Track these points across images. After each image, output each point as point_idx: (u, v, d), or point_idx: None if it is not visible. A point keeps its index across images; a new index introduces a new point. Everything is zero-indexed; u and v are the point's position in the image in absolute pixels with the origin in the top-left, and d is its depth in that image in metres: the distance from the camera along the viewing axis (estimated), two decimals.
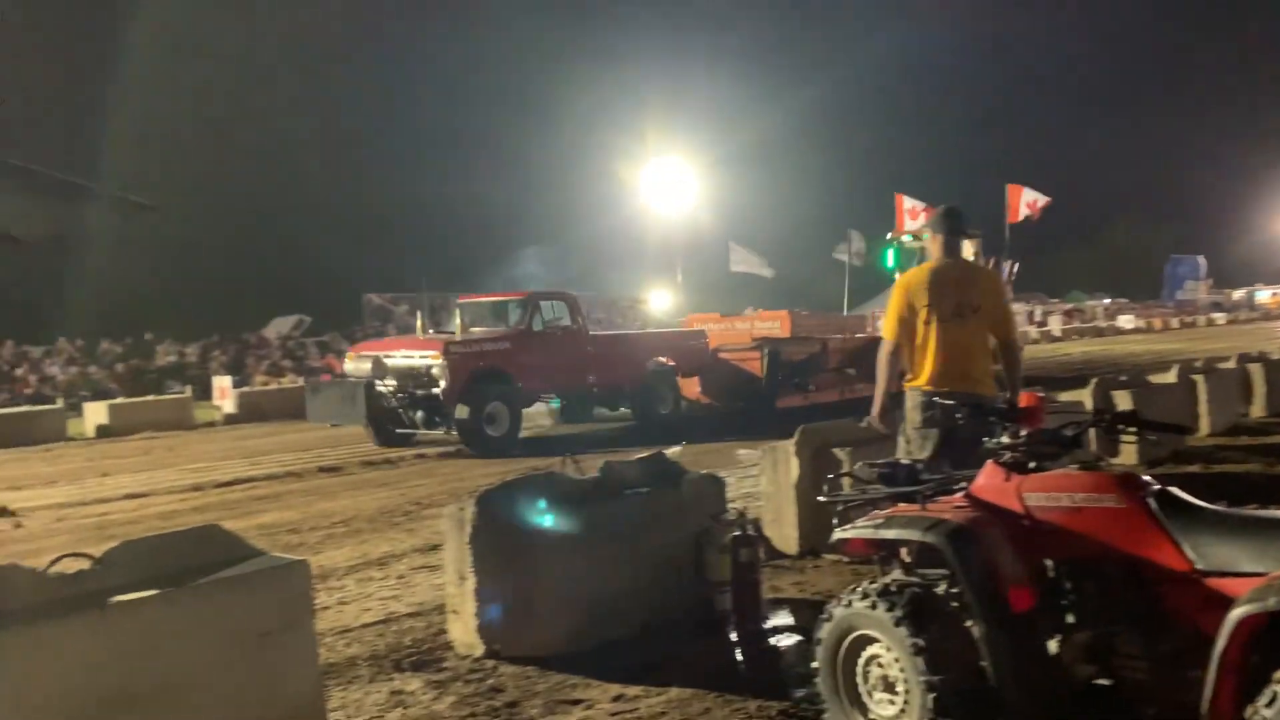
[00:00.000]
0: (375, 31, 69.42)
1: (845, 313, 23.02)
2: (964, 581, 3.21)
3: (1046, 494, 3.26)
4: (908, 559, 3.59)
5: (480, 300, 15.98)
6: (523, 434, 14.29)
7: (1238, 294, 73.34)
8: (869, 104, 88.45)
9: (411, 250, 50.07)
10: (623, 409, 16.18)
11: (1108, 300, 66.36)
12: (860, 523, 3.59)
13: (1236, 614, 2.67)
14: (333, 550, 7.75)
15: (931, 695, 3.17)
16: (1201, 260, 75.08)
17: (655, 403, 16.07)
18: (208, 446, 16.42)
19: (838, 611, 3.51)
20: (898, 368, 5.24)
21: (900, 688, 3.33)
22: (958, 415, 4.03)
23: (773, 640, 5.01)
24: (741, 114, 69.16)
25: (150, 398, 23.26)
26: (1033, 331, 45.36)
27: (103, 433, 18.79)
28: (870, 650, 3.44)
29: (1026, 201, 26.99)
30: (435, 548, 7.22)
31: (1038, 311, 55.56)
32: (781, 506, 6.66)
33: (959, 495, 3.50)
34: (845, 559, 6.01)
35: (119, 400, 22.14)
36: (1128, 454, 8.90)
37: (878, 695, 3.43)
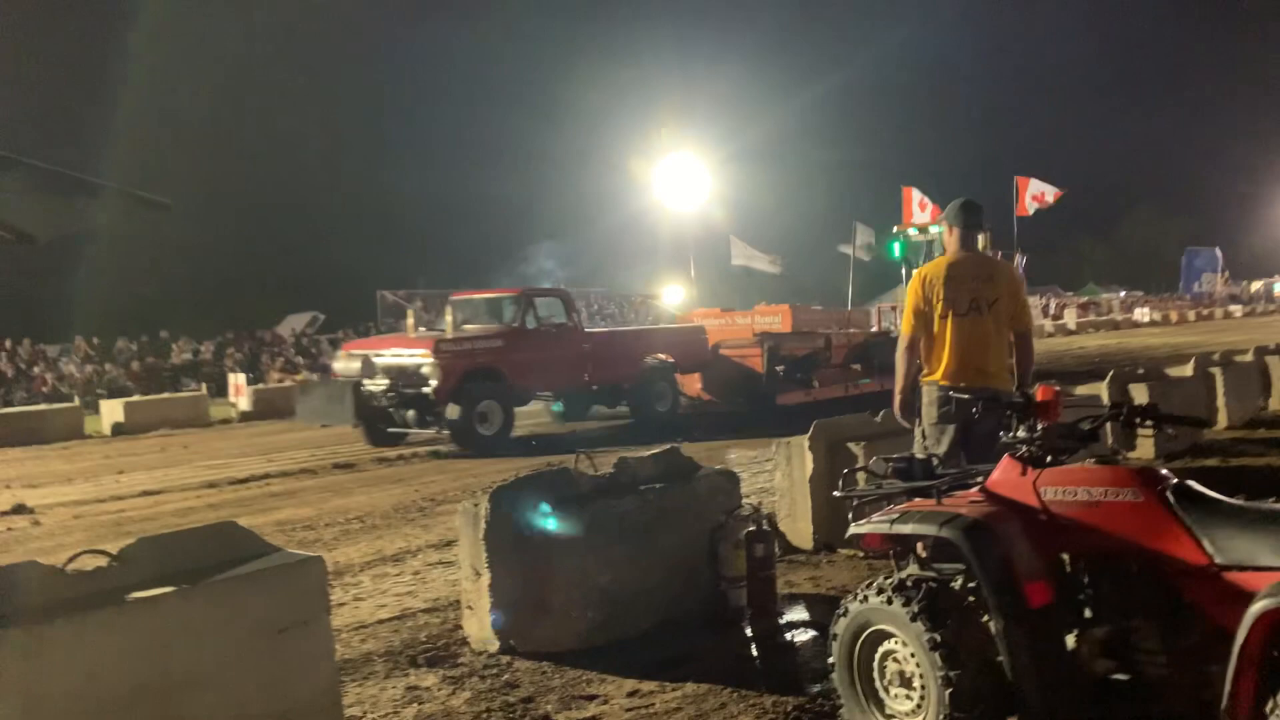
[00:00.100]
0: (388, 29, 69.57)
1: (849, 307, 22.80)
2: (980, 576, 3.20)
3: (1063, 488, 3.24)
4: (923, 554, 3.58)
5: (473, 297, 15.64)
6: (519, 432, 14.13)
7: (1255, 286, 72.77)
8: (881, 98, 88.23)
9: (424, 247, 50.28)
10: (621, 406, 15.96)
11: (1123, 293, 66.02)
12: (876, 518, 3.58)
13: (1256, 609, 2.65)
14: (348, 546, 7.78)
15: (948, 690, 3.16)
16: (1218, 252, 74.45)
17: (653, 400, 15.81)
18: (223, 444, 16.49)
19: (853, 607, 3.50)
20: (916, 361, 5.22)
21: (917, 683, 3.32)
22: (974, 410, 4.01)
23: (788, 635, 5.01)
24: (755, 109, 69.16)
25: (166, 395, 23.39)
26: (1048, 325, 45.14)
27: (119, 430, 18.89)
28: (886, 645, 3.43)
29: (1033, 194, 26.85)
30: (450, 543, 7.24)
31: (1052, 305, 55.30)
32: (796, 501, 6.65)
33: (975, 490, 3.49)
34: (860, 554, 6.00)
35: (135, 398, 22.26)
36: (1145, 448, 8.85)
37: (894, 690, 3.42)
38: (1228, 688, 2.70)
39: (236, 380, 22.35)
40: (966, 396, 4.40)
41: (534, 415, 16.14)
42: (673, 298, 34.53)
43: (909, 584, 3.38)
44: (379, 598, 6.19)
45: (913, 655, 3.31)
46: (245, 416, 20.65)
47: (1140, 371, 10.87)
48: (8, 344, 29.14)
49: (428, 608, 5.84)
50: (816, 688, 4.17)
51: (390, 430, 13.76)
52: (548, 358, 14.38)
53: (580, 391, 15.52)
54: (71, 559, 3.12)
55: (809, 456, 6.55)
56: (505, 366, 13.66)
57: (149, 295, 40.96)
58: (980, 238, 5.54)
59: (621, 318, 41.04)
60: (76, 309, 33.05)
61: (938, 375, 5.11)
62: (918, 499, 3.55)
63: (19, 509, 10.15)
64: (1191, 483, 3.14)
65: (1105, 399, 8.90)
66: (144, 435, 18.39)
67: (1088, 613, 3.24)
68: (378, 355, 13.74)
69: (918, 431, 5.23)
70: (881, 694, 3.47)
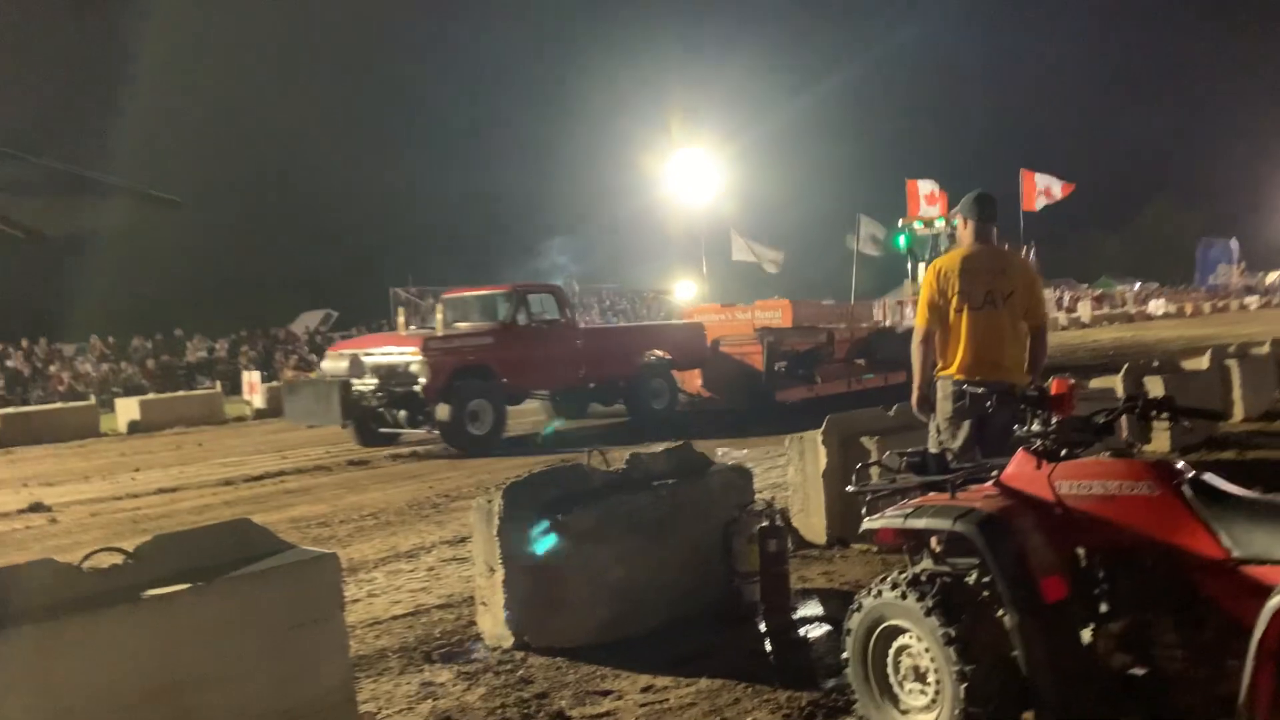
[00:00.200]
0: (400, 24, 69.62)
1: (852, 301, 22.52)
2: (995, 571, 3.18)
3: (1078, 482, 3.22)
4: (937, 548, 3.56)
5: (464, 295, 15.23)
6: (520, 432, 14.01)
7: (1271, 277, 72.23)
8: (894, 92, 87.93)
9: (438, 244, 50.37)
10: (618, 405, 15.75)
11: (1137, 285, 65.62)
12: (889, 512, 3.57)
13: (1274, 602, 2.63)
14: (362, 543, 7.80)
15: (963, 685, 3.15)
16: (1234, 243, 73.96)
17: (650, 398, 15.56)
18: (238, 441, 16.57)
19: (867, 601, 3.50)
20: (931, 354, 5.20)
21: (931, 678, 3.31)
22: (988, 404, 3.99)
23: (802, 630, 5.00)
24: (766, 103, 68.97)
25: (181, 393, 23.50)
26: (1062, 318, 44.91)
27: (134, 428, 19.00)
28: (901, 640, 3.42)
29: (1041, 189, 26.71)
30: (464, 540, 7.25)
31: (1066, 298, 55.03)
32: (809, 496, 6.64)
33: (989, 484, 3.47)
34: (874, 549, 5.99)
35: (150, 396, 22.40)
36: (1160, 441, 8.81)
37: (909, 685, 3.41)
38: (1245, 682, 2.68)
39: (251, 378, 22.45)
40: (981, 390, 4.38)
41: (530, 414, 16.04)
42: (685, 293, 34.52)
43: (923, 579, 3.37)
44: (393, 594, 6.21)
45: (927, 650, 3.30)
46: (260, 414, 20.74)
47: (1155, 364, 10.83)
48: (24, 343, 29.33)
49: (442, 604, 5.86)
50: (831, 683, 4.16)
51: (382, 430, 13.56)
52: (540, 355, 14.16)
53: (575, 389, 15.29)
54: (87, 556, 3.14)
55: (822, 451, 6.54)
56: (496, 364, 13.42)
57: (163, 294, 41.14)
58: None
59: (634, 313, 41.06)
60: (92, 308, 33.24)
61: (952, 369, 5.09)
62: (932, 493, 3.54)
63: (36, 507, 10.22)
64: (1208, 476, 3.11)
65: (1120, 392, 8.86)
66: (159, 433, 18.51)
67: (1103, 607, 3.22)
68: (366, 354, 13.47)
69: (932, 426, 5.21)
70: (896, 689, 3.47)
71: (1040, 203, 26.91)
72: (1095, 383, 9.76)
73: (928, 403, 5.24)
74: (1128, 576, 3.17)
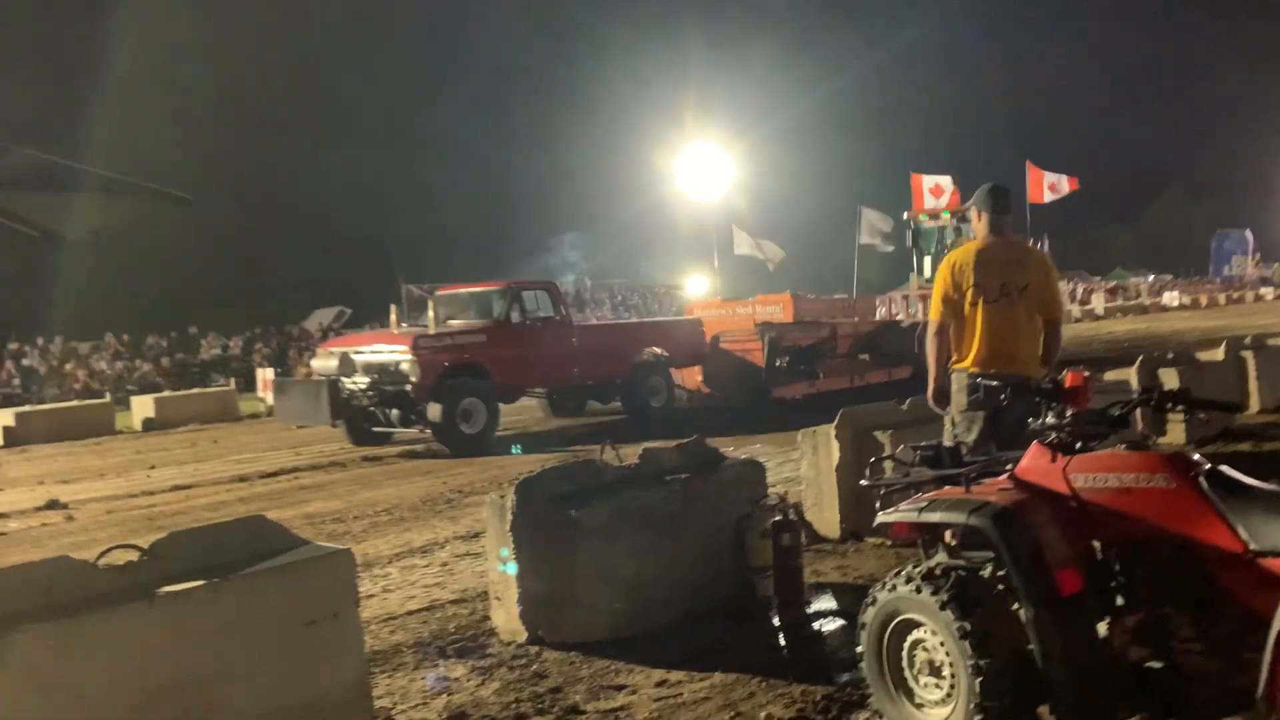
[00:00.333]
0: (412, 19, 69.67)
1: (854, 294, 22.28)
2: (1010, 564, 3.17)
3: (1094, 475, 3.20)
4: (952, 542, 3.55)
5: (457, 292, 15.07)
6: (511, 430, 13.92)
7: None
8: (906, 87, 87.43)
9: (450, 240, 50.42)
10: (615, 402, 15.59)
11: (1151, 277, 65.25)
12: (903, 506, 3.56)
13: None
14: (377, 539, 7.83)
15: (978, 679, 3.14)
16: (1249, 234, 73.42)
17: (647, 395, 15.36)
18: (252, 438, 16.63)
19: (882, 596, 3.49)
20: (946, 347, 5.18)
21: (946, 672, 3.30)
22: (1002, 397, 3.97)
23: (815, 625, 5.00)
24: (777, 98, 68.69)
25: (195, 391, 23.61)
26: (1076, 310, 44.70)
27: (149, 426, 19.10)
28: (915, 634, 3.41)
29: (1048, 183, 26.59)
30: (477, 535, 7.28)
31: (1080, 290, 54.77)
32: (823, 490, 6.63)
33: (1004, 477, 3.46)
34: (888, 543, 5.98)
35: (165, 394, 22.54)
36: (1175, 433, 8.76)
37: (924, 679, 3.40)
38: (1264, 675, 2.66)
39: (265, 375, 22.55)
40: (995, 383, 4.36)
41: (527, 412, 15.93)
42: (697, 288, 34.50)
43: (938, 572, 3.36)
44: (407, 589, 6.23)
45: (942, 644, 3.29)
46: (274, 411, 20.79)
47: (1170, 356, 10.75)
48: (39, 341, 29.52)
49: (456, 599, 5.87)
50: (845, 677, 4.16)
51: (375, 429, 13.42)
52: (534, 353, 13.98)
53: (570, 387, 15.17)
54: (103, 553, 3.15)
55: (835, 445, 6.52)
56: (489, 363, 13.22)
57: (178, 292, 41.30)
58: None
59: (645, 309, 41.06)
60: (106, 306, 33.44)
61: (967, 362, 5.07)
62: (946, 487, 3.53)
63: (52, 504, 10.29)
64: (1224, 468, 3.09)
65: (1134, 384, 8.81)
66: (174, 430, 18.61)
67: (1119, 600, 3.21)
68: (357, 353, 13.26)
69: (947, 419, 5.19)
70: (911, 683, 3.46)
71: (1048, 196, 26.76)
72: (1110, 375, 9.71)
73: (943, 396, 5.21)
74: (1144, 569, 3.16)
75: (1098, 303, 49.48)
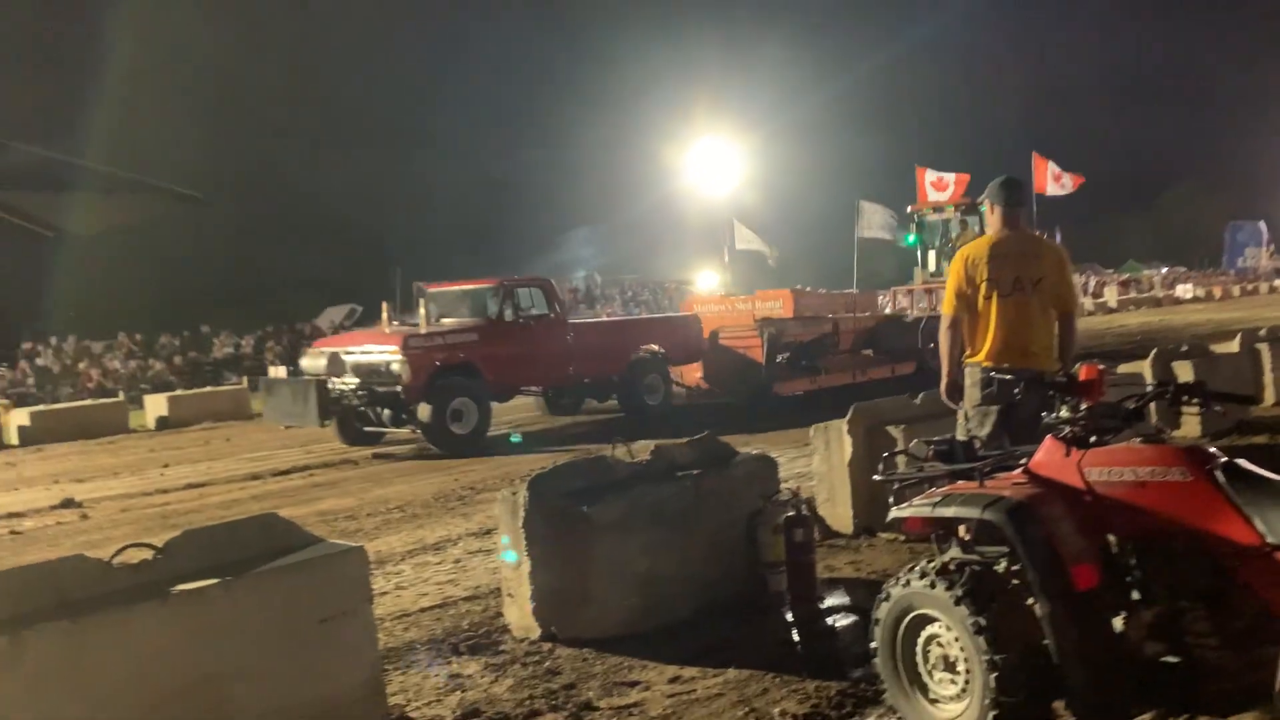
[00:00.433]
0: (419, 14, 69.70)
1: (855, 289, 22.06)
2: (1025, 559, 3.15)
3: (1109, 468, 3.18)
4: (966, 537, 3.53)
5: (449, 290, 14.67)
6: (510, 430, 13.80)
7: None
8: (918, 82, 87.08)
9: (461, 237, 50.49)
10: (612, 400, 15.42)
11: (1165, 269, 64.90)
12: (917, 501, 3.54)
13: None
14: (389, 536, 7.84)
15: (993, 674, 3.12)
16: (1263, 226, 72.97)
17: (644, 393, 15.04)
18: (265, 436, 16.65)
19: (896, 591, 3.47)
20: (959, 341, 5.15)
21: (961, 667, 3.29)
22: (1016, 390, 3.95)
23: (829, 620, 4.99)
24: (788, 93, 68.48)
25: (208, 389, 23.67)
26: (1088, 303, 44.53)
27: (163, 424, 19.17)
28: (930, 630, 3.40)
29: (1053, 173, 26.45)
30: (490, 532, 7.29)
31: (1093, 282, 54.54)
32: (835, 485, 6.61)
33: (1018, 472, 3.44)
34: (902, 538, 5.95)
35: (178, 392, 22.61)
36: (1190, 426, 8.71)
37: (938, 675, 3.39)
38: None
39: (277, 373, 22.61)
40: (1009, 377, 4.34)
41: (525, 411, 15.88)
42: (707, 283, 34.45)
43: (952, 567, 3.34)
44: (420, 586, 6.24)
45: (957, 639, 3.28)
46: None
47: (1184, 349, 10.70)
48: (53, 340, 29.67)
49: (469, 596, 5.88)
50: (859, 672, 4.14)
51: (367, 429, 13.23)
52: (527, 351, 13.74)
53: (565, 386, 15.00)
54: (118, 552, 3.16)
55: (848, 440, 6.51)
56: (481, 362, 12.95)
57: (190, 291, 41.46)
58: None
59: (655, 304, 41.02)
60: (120, 305, 33.58)
61: (981, 356, 5.05)
62: (960, 482, 3.51)
63: (67, 503, 10.34)
64: (1240, 461, 3.07)
65: (1149, 377, 8.76)
66: (188, 429, 18.67)
67: (1135, 595, 3.19)
68: (346, 353, 13.02)
69: (960, 414, 5.17)
70: (925, 678, 3.45)
71: (1052, 188, 26.63)
72: (1124, 368, 9.66)
73: (957, 389, 5.19)
74: (1160, 563, 3.14)
75: (1110, 295, 49.26)
